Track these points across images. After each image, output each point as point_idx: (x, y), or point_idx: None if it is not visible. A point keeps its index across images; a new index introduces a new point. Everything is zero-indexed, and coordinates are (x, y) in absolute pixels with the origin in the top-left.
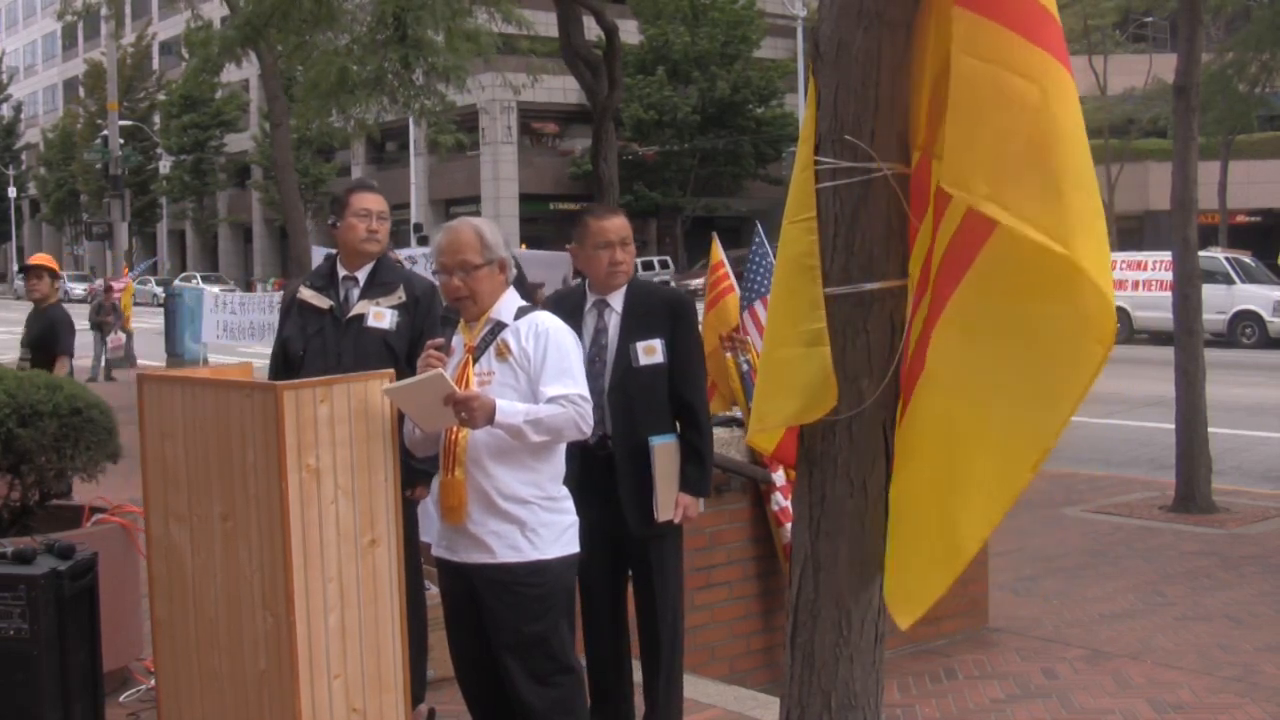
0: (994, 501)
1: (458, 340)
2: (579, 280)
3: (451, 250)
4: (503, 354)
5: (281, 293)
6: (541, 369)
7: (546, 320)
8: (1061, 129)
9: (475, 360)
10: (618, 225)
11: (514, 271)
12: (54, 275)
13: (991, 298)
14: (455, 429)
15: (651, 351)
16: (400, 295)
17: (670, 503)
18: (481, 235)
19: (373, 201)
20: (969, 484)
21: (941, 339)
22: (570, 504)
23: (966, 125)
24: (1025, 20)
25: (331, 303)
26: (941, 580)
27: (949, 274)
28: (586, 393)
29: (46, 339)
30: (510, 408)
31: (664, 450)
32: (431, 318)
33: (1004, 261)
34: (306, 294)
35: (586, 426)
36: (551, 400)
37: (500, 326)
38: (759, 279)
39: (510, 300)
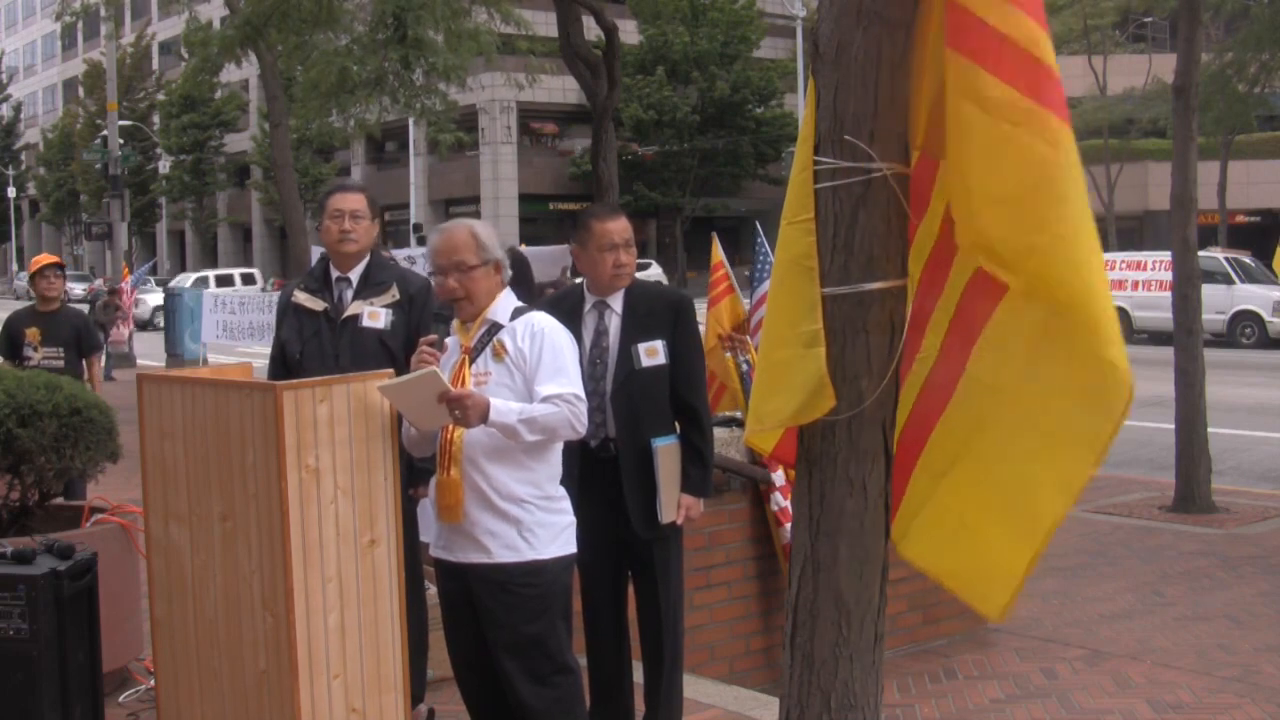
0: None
1: (454, 340)
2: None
3: (447, 251)
4: (499, 354)
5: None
6: (537, 368)
7: (542, 320)
8: (1069, 184)
9: (471, 361)
10: (621, 227)
11: (509, 272)
12: (65, 275)
13: (1008, 357)
14: (451, 428)
15: (653, 353)
16: (394, 294)
17: (673, 504)
18: (476, 235)
19: (345, 201)
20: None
21: (964, 393)
22: (567, 504)
23: (964, 173)
24: (1024, 76)
25: (325, 304)
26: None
27: (965, 325)
28: (581, 392)
29: (80, 340)
30: (504, 406)
31: (666, 452)
32: (426, 315)
33: (1017, 324)
34: (300, 296)
35: (581, 426)
36: (546, 399)
37: (496, 327)
38: (762, 276)
39: (506, 301)
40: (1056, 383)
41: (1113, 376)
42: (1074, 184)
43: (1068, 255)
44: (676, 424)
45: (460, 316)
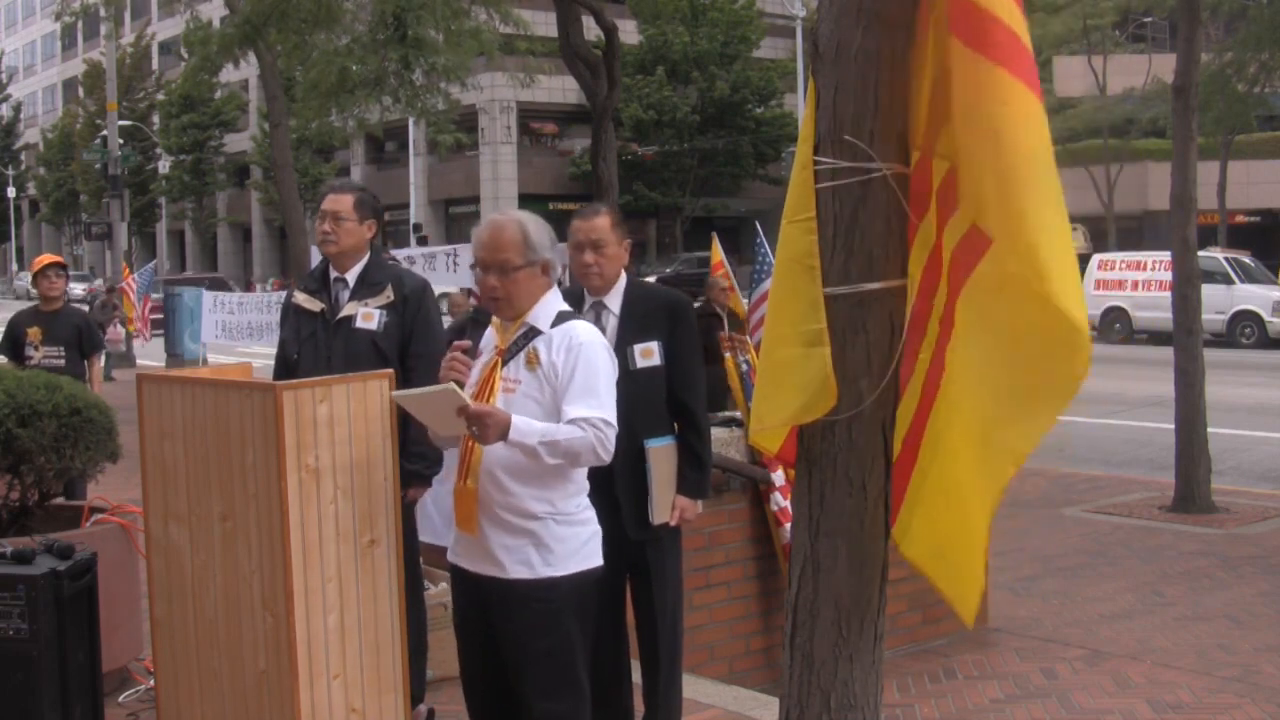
0: (983, 501)
1: (489, 339)
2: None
3: (493, 247)
4: (532, 363)
5: (279, 292)
6: (567, 386)
7: (582, 333)
8: (1026, 155)
9: (504, 364)
10: (588, 227)
11: (558, 271)
12: (68, 274)
13: (983, 314)
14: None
15: (649, 354)
16: (389, 295)
17: (667, 505)
18: (526, 234)
19: (329, 202)
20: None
21: (951, 349)
22: (589, 515)
23: (967, 157)
24: (1002, 50)
25: (323, 305)
26: (976, 576)
27: (948, 324)
28: (612, 416)
29: (81, 339)
30: (526, 426)
31: (660, 453)
32: (421, 316)
33: (992, 282)
34: (300, 297)
35: (606, 453)
36: (572, 421)
37: (534, 332)
38: (762, 275)
39: (550, 305)
40: (1018, 355)
41: (1075, 335)
42: (1038, 151)
43: (1038, 225)
44: (674, 425)
45: (500, 316)
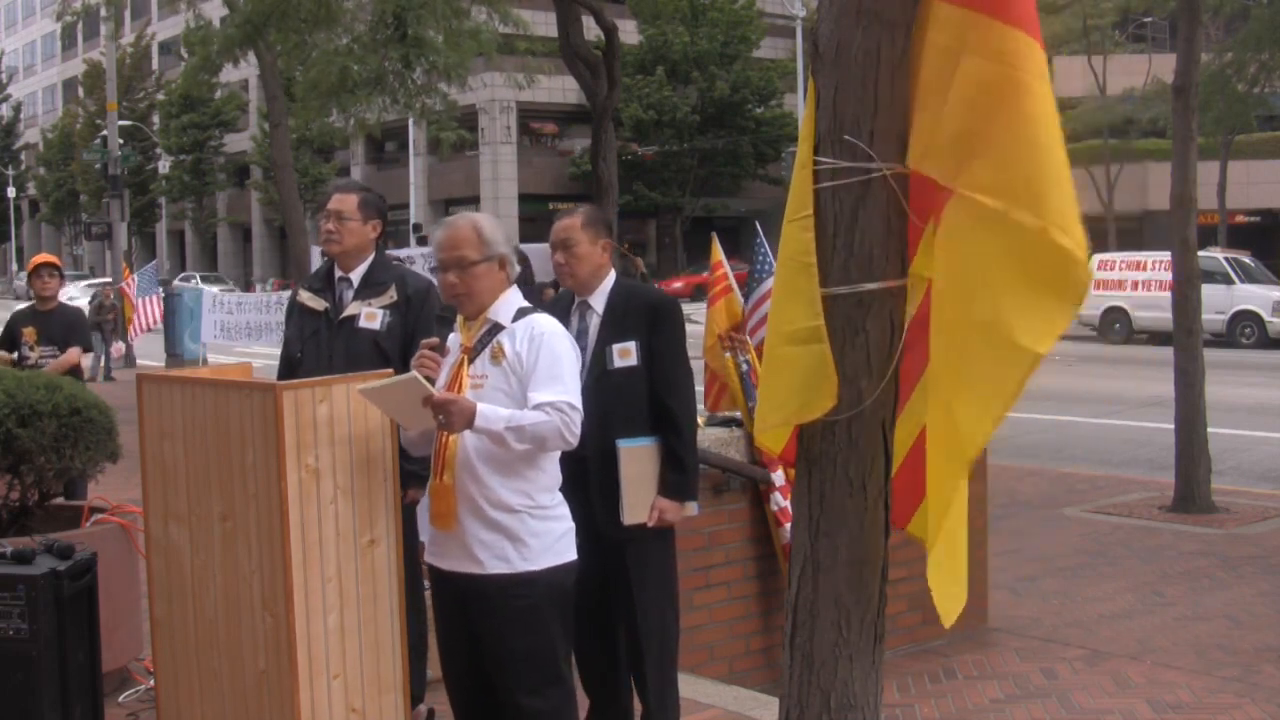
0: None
1: (454, 339)
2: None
3: (449, 246)
4: (497, 357)
5: (280, 293)
6: (532, 374)
7: (543, 324)
8: (1034, 100)
9: (470, 361)
10: (558, 227)
11: (516, 269)
12: (62, 274)
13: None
14: (445, 433)
15: (626, 354)
16: (392, 295)
17: (640, 506)
18: (480, 230)
19: (333, 201)
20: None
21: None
22: (563, 510)
23: (933, 109)
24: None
25: (327, 304)
26: (959, 584)
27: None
28: (577, 401)
29: (70, 337)
30: (492, 413)
31: (632, 453)
32: (424, 316)
33: (964, 230)
34: (304, 296)
35: (572, 436)
36: (537, 407)
37: (497, 328)
38: (762, 275)
39: (510, 300)
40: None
41: (1070, 263)
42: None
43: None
44: (658, 427)
45: (463, 313)
